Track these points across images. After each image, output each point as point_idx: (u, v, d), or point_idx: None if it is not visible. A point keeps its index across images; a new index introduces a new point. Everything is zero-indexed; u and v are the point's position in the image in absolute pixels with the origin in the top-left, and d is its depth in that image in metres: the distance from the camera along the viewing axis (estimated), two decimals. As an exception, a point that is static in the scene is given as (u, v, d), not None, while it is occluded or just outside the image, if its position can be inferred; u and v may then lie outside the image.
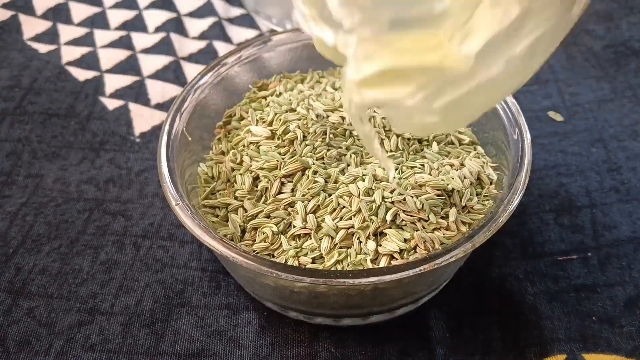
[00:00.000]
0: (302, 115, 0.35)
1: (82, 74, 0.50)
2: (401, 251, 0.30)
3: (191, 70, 0.50)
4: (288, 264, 0.31)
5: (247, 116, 0.38)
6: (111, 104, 0.48)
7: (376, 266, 0.30)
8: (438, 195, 0.31)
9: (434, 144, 0.35)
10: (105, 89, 0.49)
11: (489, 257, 0.37)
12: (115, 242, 0.38)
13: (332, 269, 0.30)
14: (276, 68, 0.42)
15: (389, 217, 0.30)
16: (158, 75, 0.50)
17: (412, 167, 0.34)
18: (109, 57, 0.52)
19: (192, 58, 0.52)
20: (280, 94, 0.39)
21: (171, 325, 0.34)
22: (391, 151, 0.34)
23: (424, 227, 0.30)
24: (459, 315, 0.35)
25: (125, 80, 0.50)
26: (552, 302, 0.35)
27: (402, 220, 0.30)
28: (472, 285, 0.36)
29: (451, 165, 0.34)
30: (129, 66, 0.51)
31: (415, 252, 0.30)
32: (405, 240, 0.30)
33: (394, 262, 0.30)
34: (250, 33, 0.54)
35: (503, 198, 0.31)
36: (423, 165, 0.34)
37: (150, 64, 0.51)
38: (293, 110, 0.36)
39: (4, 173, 0.43)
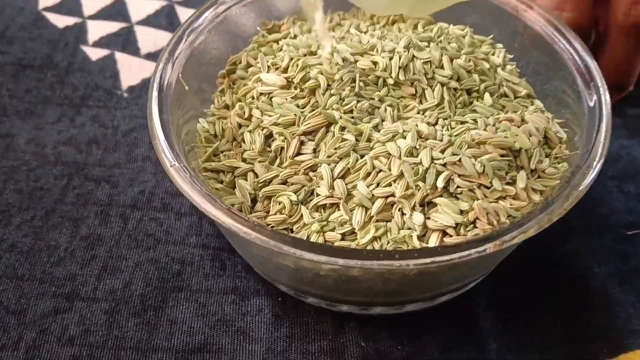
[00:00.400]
0: (326, 59, 0.29)
1: (61, 20, 0.44)
2: (457, 225, 0.24)
3: (187, 16, 0.43)
4: (312, 240, 0.25)
5: (256, 63, 0.31)
6: (95, 53, 0.41)
7: (424, 244, 0.24)
8: (502, 156, 0.24)
9: (486, 95, 0.29)
10: (88, 37, 0.42)
11: (546, 232, 0.31)
12: (99, 213, 0.32)
13: (368, 247, 0.24)
14: (287, 9, 0.35)
15: (440, 183, 0.24)
16: (149, 21, 0.43)
17: (463, 122, 0.27)
18: (93, 1, 0.45)
19: (188, 2, 0.45)
20: (295, 36, 0.33)
21: (166, 314, 0.28)
22: (436, 104, 0.28)
23: (485, 196, 0.24)
24: (512, 302, 0.29)
25: (111, 26, 0.43)
26: (623, 284, 0.30)
27: (457, 186, 0.24)
28: (527, 267, 0.30)
29: (510, 120, 0.27)
30: (116, 11, 0.44)
31: (475, 226, 0.24)
32: (462, 212, 0.24)
33: (447, 240, 0.23)
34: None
35: (580, 160, 0.25)
36: (475, 120, 0.27)
37: (140, 8, 0.44)
38: (313, 53, 0.30)
39: (-32, 133, 0.36)
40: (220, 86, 0.32)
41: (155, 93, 0.28)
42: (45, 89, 0.39)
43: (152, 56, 0.41)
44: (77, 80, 0.39)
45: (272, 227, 0.26)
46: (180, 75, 0.29)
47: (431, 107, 0.28)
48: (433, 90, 0.28)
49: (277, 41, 0.33)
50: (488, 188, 0.24)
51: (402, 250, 0.22)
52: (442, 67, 0.29)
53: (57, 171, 0.34)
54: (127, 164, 0.35)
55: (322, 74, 0.28)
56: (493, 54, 0.32)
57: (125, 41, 0.42)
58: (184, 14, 0.44)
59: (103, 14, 0.44)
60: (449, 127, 0.27)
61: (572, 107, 0.29)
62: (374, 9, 0.34)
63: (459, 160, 0.24)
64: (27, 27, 0.43)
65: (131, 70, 0.40)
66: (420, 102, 0.28)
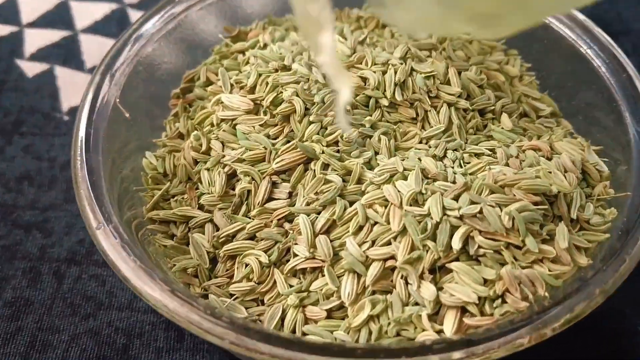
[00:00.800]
0: (301, 76, 0.23)
1: (-7, 30, 0.37)
2: (480, 300, 0.18)
3: (143, 22, 0.37)
4: (287, 319, 0.19)
5: (217, 79, 0.25)
6: (31, 69, 0.35)
7: (438, 326, 0.18)
8: (535, 204, 0.19)
9: (504, 116, 0.23)
10: (25, 49, 0.36)
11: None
12: (28, 270, 0.26)
13: (363, 330, 0.18)
14: (256, 11, 0.29)
15: (456, 244, 0.18)
16: (97, 28, 0.37)
17: (478, 155, 0.21)
18: (33, 7, 0.38)
19: (142, 5, 0.38)
20: (265, 45, 0.27)
21: (108, 406, 0.22)
22: (442, 130, 0.22)
23: (516, 259, 0.18)
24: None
25: (51, 35, 0.37)
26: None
27: (479, 246, 0.18)
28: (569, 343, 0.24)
29: (535, 149, 0.22)
30: (58, 17, 0.38)
31: (505, 301, 0.18)
32: (486, 282, 0.18)
33: (467, 321, 0.17)
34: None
35: (632, 203, 0.19)
36: (493, 149, 0.21)
37: (86, 13, 0.38)
38: (287, 68, 0.24)
39: None
40: (174, 109, 0.26)
41: (84, 121, 0.22)
42: (-31, 114, 0.32)
43: (100, 70, 0.35)
44: (9, 102, 0.33)
45: (237, 298, 0.20)
46: (117, 98, 0.23)
47: (437, 135, 0.22)
48: (438, 113, 0.23)
49: (243, 52, 0.27)
50: (519, 248, 0.18)
51: (410, 345, 0.16)
52: (448, 83, 0.23)
53: (-22, 216, 0.28)
54: (65, 205, 0.29)
55: (297, 95, 0.22)
56: (507, 63, 0.26)
57: (67, 53, 0.36)
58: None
59: (43, 21, 0.38)
60: (461, 161, 0.21)
61: (610, 129, 0.23)
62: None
63: (480, 212, 0.18)
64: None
65: (74, 88, 0.34)
66: (423, 128, 0.23)
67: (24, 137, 0.31)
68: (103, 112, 0.22)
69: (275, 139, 0.22)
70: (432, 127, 0.22)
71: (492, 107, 0.24)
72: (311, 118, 0.22)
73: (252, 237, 0.21)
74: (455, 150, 0.22)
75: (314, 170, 0.21)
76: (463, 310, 0.18)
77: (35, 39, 0.36)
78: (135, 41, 0.25)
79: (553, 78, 0.26)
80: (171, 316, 0.17)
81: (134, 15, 0.38)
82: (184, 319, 0.16)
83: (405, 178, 0.20)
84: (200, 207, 0.22)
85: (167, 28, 0.26)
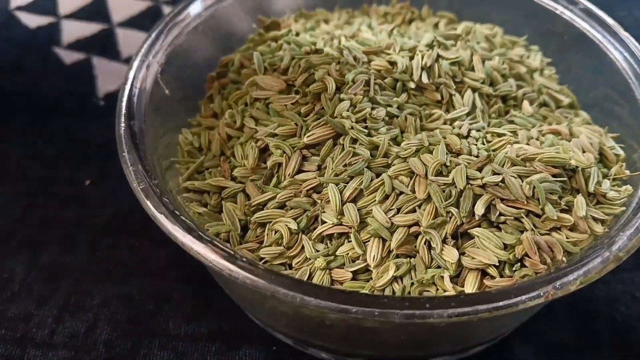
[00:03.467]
0: (333, 58, 0.24)
1: (33, 20, 0.39)
2: (500, 264, 0.19)
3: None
4: (314, 281, 0.20)
5: (251, 64, 0.26)
6: (69, 56, 0.37)
7: (459, 288, 0.19)
8: (554, 176, 0.20)
9: (525, 103, 0.24)
10: (62, 38, 0.38)
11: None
12: (64, 237, 0.28)
13: (387, 290, 0.19)
14: (288, 4, 0.31)
15: (479, 209, 0.19)
16: (133, 22, 0.39)
17: (500, 135, 0.22)
18: (70, 0, 0.40)
19: (177, 2, 0.40)
20: (298, 34, 0.28)
21: (137, 365, 0.23)
22: (466, 113, 0.23)
23: (535, 226, 0.19)
24: (556, 351, 0.24)
25: (89, 28, 0.38)
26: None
27: (500, 213, 0.19)
28: (571, 308, 0.25)
29: (556, 132, 0.23)
30: (95, 10, 0.39)
31: (524, 265, 0.18)
32: (506, 247, 0.19)
33: (488, 282, 0.18)
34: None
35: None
36: (515, 132, 0.23)
37: (123, 8, 0.39)
38: (318, 51, 0.25)
39: None
40: (209, 92, 0.28)
41: (126, 95, 0.23)
42: (13, 95, 0.34)
43: (135, 60, 0.36)
44: (48, 86, 0.35)
45: (266, 261, 0.21)
46: (159, 76, 0.25)
47: (460, 117, 0.23)
48: (462, 97, 0.24)
49: (275, 39, 0.28)
50: (539, 216, 0.19)
51: (433, 298, 0.17)
52: (472, 69, 0.25)
53: (19, 189, 0.29)
54: (101, 181, 0.30)
55: (329, 74, 0.23)
56: (528, 57, 0.28)
57: (104, 44, 0.37)
58: (172, 14, 0.39)
59: (81, 14, 0.39)
60: (484, 139, 0.22)
61: (625, 119, 0.24)
62: None
63: (502, 181, 0.19)
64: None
65: (110, 76, 0.35)
66: (447, 111, 0.24)
67: (61, 118, 0.33)
68: (144, 89, 0.24)
69: (306, 116, 0.23)
70: (456, 110, 0.24)
71: (514, 95, 0.25)
72: (341, 96, 0.23)
73: (282, 206, 0.22)
74: (478, 130, 0.23)
75: (343, 144, 0.22)
76: (483, 273, 0.19)
77: (73, 30, 0.38)
78: (172, 29, 0.26)
79: (571, 72, 0.27)
80: (214, 269, 0.18)
81: (168, 10, 0.40)
82: (223, 267, 0.18)
83: (430, 152, 0.21)
84: (233, 179, 0.23)
85: (202, 17, 0.28)
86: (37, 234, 0.28)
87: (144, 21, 0.39)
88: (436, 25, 0.29)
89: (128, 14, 0.39)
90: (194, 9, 0.28)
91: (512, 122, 0.24)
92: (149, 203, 0.19)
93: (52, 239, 0.27)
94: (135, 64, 0.24)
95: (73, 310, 0.25)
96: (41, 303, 0.25)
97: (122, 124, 0.22)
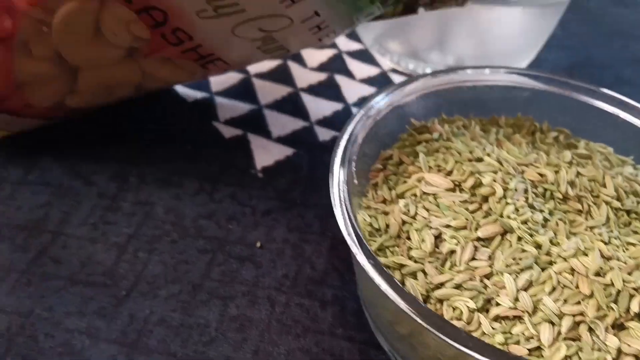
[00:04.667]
0: (495, 167, 0.30)
1: (191, 95, 0.45)
2: (653, 352, 0.24)
3: (310, 104, 0.45)
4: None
5: (413, 161, 0.32)
6: (227, 131, 0.42)
7: (621, 368, 0.24)
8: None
9: (645, 217, 0.30)
10: (218, 114, 0.44)
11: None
12: (246, 293, 0.33)
13: (561, 365, 0.24)
14: (422, 113, 0.37)
15: (635, 307, 0.24)
16: (277, 105, 0.45)
17: (630, 244, 0.28)
18: (221, 79, 0.47)
19: (312, 90, 0.47)
20: (448, 139, 0.34)
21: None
22: (602, 223, 0.29)
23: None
24: None
25: (241, 106, 0.45)
26: None
27: (652, 312, 0.25)
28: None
29: (677, 244, 0.28)
30: (244, 90, 0.46)
31: (673, 355, 0.24)
32: (657, 339, 0.24)
33: (644, 365, 0.24)
34: (371, 69, 0.50)
35: None
36: (641, 241, 0.28)
37: (268, 92, 0.46)
38: (479, 159, 0.31)
39: (108, 196, 0.37)
40: (374, 179, 0.33)
41: (341, 177, 0.29)
42: (181, 161, 0.40)
43: (283, 140, 0.42)
44: (211, 156, 0.41)
45: (451, 332, 0.26)
46: (354, 170, 0.31)
47: (598, 226, 0.29)
48: (599, 208, 0.30)
49: (427, 141, 0.34)
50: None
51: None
52: (604, 186, 0.30)
53: (199, 245, 0.35)
54: (267, 245, 0.35)
55: (496, 181, 0.29)
56: (636, 176, 0.33)
57: (256, 123, 0.43)
58: (309, 101, 0.46)
59: (231, 92, 0.46)
60: (624, 248, 0.28)
61: None
62: None
63: (651, 286, 0.25)
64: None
65: (264, 151, 0.41)
66: (586, 219, 0.29)
67: (227, 186, 0.39)
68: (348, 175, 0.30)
69: (474, 213, 0.29)
70: (594, 219, 0.29)
71: (636, 210, 0.30)
72: (508, 200, 0.29)
73: (457, 287, 0.27)
74: (615, 239, 0.28)
75: (510, 241, 0.28)
76: (637, 358, 0.24)
77: (226, 107, 0.45)
78: (367, 118, 0.33)
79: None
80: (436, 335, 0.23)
81: (306, 98, 0.46)
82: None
83: (585, 255, 0.27)
84: (410, 258, 0.29)
85: (386, 110, 0.34)
86: (222, 289, 0.33)
87: (286, 105, 0.45)
88: (556, 139, 0.35)
89: (272, 97, 0.46)
90: (384, 102, 0.34)
91: (636, 232, 0.29)
92: (380, 278, 0.25)
93: (236, 294, 0.33)
94: (341, 147, 0.30)
95: (263, 357, 0.30)
96: (236, 348, 0.30)
97: (342, 204, 0.28)
